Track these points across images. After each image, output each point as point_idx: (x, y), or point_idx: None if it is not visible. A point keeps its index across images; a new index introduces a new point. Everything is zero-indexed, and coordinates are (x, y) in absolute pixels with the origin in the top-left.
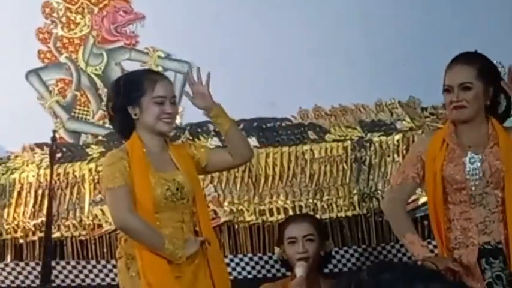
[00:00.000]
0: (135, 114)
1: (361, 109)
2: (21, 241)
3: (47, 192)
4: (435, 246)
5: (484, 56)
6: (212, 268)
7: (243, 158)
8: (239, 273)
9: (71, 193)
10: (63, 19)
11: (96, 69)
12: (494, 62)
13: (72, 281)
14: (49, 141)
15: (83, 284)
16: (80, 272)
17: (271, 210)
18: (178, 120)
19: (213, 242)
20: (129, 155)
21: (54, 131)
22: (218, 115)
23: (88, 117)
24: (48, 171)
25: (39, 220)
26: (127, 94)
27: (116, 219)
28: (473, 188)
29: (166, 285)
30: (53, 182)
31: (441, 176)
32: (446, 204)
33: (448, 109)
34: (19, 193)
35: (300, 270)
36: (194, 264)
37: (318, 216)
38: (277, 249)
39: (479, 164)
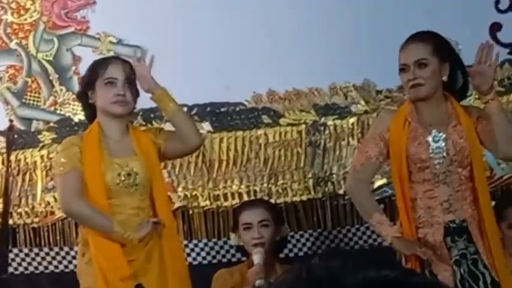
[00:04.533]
0: (91, 99)
1: (315, 92)
2: None
3: (2, 181)
4: None
5: (438, 34)
6: (166, 252)
7: (191, 144)
8: (194, 258)
9: (23, 180)
10: (13, 5)
11: (47, 55)
12: (451, 40)
13: (25, 268)
14: (1, 128)
15: (36, 271)
16: (33, 259)
17: (225, 195)
18: None
19: (169, 227)
20: (82, 140)
21: (11, 121)
22: (161, 99)
23: (39, 104)
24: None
25: None
26: (85, 80)
27: (62, 205)
28: (437, 167)
29: (118, 269)
30: (0, 170)
31: (405, 155)
32: (410, 183)
33: (406, 88)
34: None
35: (257, 257)
36: (148, 247)
37: (272, 200)
38: (232, 235)
39: (443, 143)
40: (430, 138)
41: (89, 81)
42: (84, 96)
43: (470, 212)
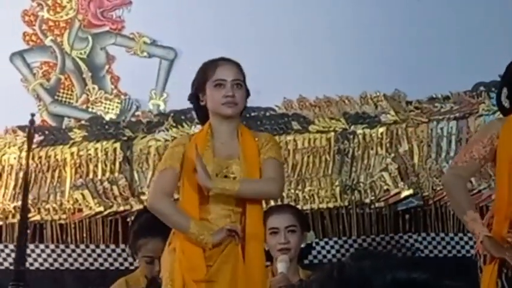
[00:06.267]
0: (202, 101)
1: (346, 101)
2: (0, 223)
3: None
4: (416, 240)
5: None
6: (241, 261)
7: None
8: None
9: (52, 176)
10: (50, 2)
11: (81, 53)
12: None
13: (51, 264)
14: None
15: (61, 268)
16: (59, 256)
17: None
18: (162, 107)
19: (255, 239)
20: (190, 140)
21: (33, 115)
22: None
23: (71, 101)
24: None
25: (19, 203)
26: (196, 82)
27: (148, 200)
28: None
29: (194, 269)
30: (31, 166)
31: None
32: None
33: None
34: (0, 175)
35: (281, 266)
36: (222, 254)
37: (299, 206)
38: None
39: None
40: None
41: (199, 84)
42: (195, 99)
43: None
